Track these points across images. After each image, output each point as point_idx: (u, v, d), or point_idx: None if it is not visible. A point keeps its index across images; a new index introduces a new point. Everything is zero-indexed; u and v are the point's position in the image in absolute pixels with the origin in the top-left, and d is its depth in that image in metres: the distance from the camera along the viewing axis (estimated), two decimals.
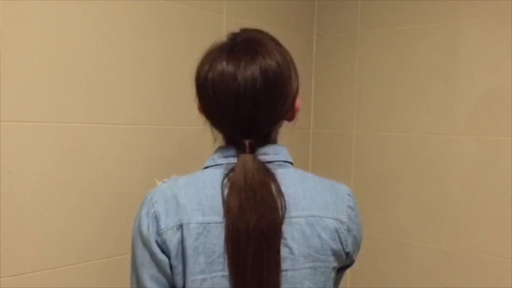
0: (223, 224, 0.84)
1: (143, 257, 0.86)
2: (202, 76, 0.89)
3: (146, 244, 0.86)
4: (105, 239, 1.38)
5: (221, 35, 0.95)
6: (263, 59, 0.87)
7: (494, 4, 1.61)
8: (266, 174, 0.85)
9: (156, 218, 0.86)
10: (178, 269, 0.85)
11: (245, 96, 0.85)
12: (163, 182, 0.91)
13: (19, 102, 1.20)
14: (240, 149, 0.87)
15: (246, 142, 0.87)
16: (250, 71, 0.85)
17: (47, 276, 1.26)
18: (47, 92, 1.24)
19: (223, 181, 0.86)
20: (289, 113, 0.94)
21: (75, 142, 1.30)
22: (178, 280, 0.85)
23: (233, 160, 0.89)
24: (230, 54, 0.88)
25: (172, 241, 0.84)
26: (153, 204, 0.87)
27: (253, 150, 0.87)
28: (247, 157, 0.86)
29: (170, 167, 1.47)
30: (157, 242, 0.85)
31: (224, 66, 0.86)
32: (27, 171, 1.22)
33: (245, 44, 0.90)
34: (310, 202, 0.88)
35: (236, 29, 0.96)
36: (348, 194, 0.94)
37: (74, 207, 1.31)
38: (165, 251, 0.85)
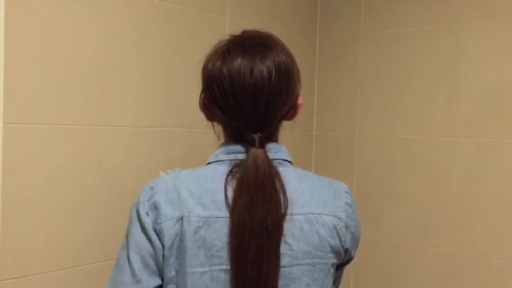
0: (224, 219, 0.85)
1: (139, 240, 0.87)
2: (215, 71, 0.90)
3: (143, 229, 0.87)
4: (108, 242, 1.38)
5: (224, 37, 0.96)
6: (276, 53, 0.90)
7: (497, 6, 1.61)
8: (273, 170, 0.87)
9: (156, 207, 0.87)
10: (170, 260, 0.86)
11: (263, 88, 0.87)
12: (166, 173, 0.93)
13: (22, 104, 1.20)
14: (250, 144, 0.88)
15: (256, 136, 0.88)
16: (265, 64, 0.88)
17: (49, 278, 1.26)
18: (50, 94, 1.25)
19: (227, 177, 0.87)
20: (292, 110, 0.95)
21: (78, 144, 1.30)
22: (168, 271, 0.86)
23: (235, 156, 0.90)
24: (243, 49, 0.90)
25: (169, 232, 0.85)
26: (154, 193, 0.88)
27: (262, 145, 0.88)
28: (259, 151, 0.87)
29: (173, 169, 1.46)
30: (154, 230, 0.86)
31: (239, 60, 0.88)
32: (30, 173, 1.22)
33: (255, 40, 0.92)
34: (308, 199, 0.90)
35: (237, 31, 0.97)
36: (346, 192, 0.95)
37: (77, 209, 1.31)
38: (160, 239, 0.86)
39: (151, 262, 0.86)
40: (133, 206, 0.91)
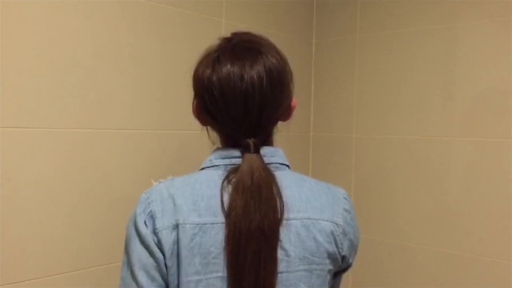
0: (220, 225, 0.84)
1: (140, 254, 0.85)
2: (205, 79, 0.89)
3: (143, 241, 0.85)
4: (105, 246, 1.37)
5: (215, 41, 0.95)
6: (266, 58, 0.89)
7: (493, 6, 1.61)
8: (269, 175, 0.86)
9: (152, 217, 0.86)
10: (173, 269, 0.84)
11: (254, 95, 0.86)
12: (159, 182, 0.91)
13: (18, 108, 1.20)
14: (244, 149, 0.87)
15: (251, 141, 0.87)
16: (256, 70, 0.87)
17: (46, 283, 1.26)
18: (46, 97, 1.24)
19: (223, 183, 0.86)
20: (286, 111, 0.95)
21: (74, 147, 1.30)
22: (172, 280, 0.85)
23: (230, 161, 0.89)
24: (233, 55, 0.88)
25: (168, 241, 0.84)
26: (149, 203, 0.87)
27: (257, 150, 0.87)
28: (254, 156, 0.86)
29: (169, 172, 1.46)
30: (153, 240, 0.85)
31: (229, 67, 0.87)
32: (26, 177, 1.21)
33: (245, 45, 0.91)
34: (306, 204, 0.89)
35: (227, 34, 0.97)
36: (344, 197, 0.94)
37: (73, 213, 1.31)
38: (160, 250, 0.85)
39: (157, 275, 0.85)
40: (129, 221, 0.90)
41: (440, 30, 1.72)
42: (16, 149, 1.19)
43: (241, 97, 0.86)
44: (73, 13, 1.28)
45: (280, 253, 0.84)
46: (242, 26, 1.69)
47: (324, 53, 2.03)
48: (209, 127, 0.95)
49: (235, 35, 0.95)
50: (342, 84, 1.98)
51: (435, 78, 1.74)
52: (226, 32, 0.97)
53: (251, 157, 0.86)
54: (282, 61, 0.92)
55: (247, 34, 0.96)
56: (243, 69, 0.87)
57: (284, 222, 0.85)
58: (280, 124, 0.96)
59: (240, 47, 0.90)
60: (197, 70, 0.92)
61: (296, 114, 0.99)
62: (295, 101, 0.96)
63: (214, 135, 0.95)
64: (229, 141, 0.92)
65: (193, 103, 0.95)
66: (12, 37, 1.18)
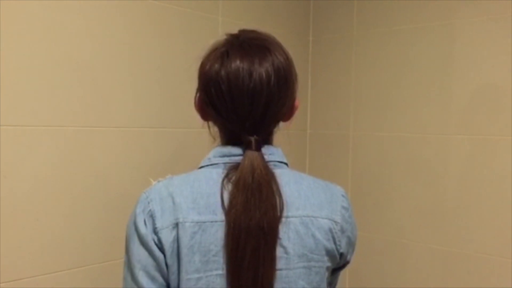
0: (219, 223, 0.84)
1: (140, 255, 0.86)
2: (212, 73, 0.89)
3: (143, 241, 0.86)
4: (102, 243, 1.37)
5: (217, 37, 0.95)
6: (275, 56, 0.89)
7: (490, 3, 1.61)
8: (269, 172, 0.86)
9: (152, 217, 0.86)
10: (173, 268, 0.85)
11: (261, 93, 0.87)
12: (158, 181, 0.91)
13: (16, 106, 1.19)
14: (246, 146, 0.87)
15: (253, 139, 0.87)
16: (264, 67, 0.87)
17: (44, 281, 1.26)
18: (44, 96, 1.24)
19: (223, 181, 0.86)
20: (289, 111, 0.95)
21: (72, 145, 1.30)
22: (173, 279, 0.85)
23: (229, 159, 0.89)
24: (242, 51, 0.89)
25: (168, 240, 0.84)
26: (148, 203, 0.87)
27: (259, 148, 0.88)
28: (255, 154, 0.86)
29: (168, 170, 1.45)
30: (153, 240, 0.85)
31: (238, 63, 0.87)
32: (23, 175, 1.21)
33: (254, 42, 0.91)
34: (304, 202, 0.89)
35: (233, 30, 0.96)
36: (342, 195, 0.95)
37: (71, 211, 1.30)
38: (161, 249, 0.85)
39: (157, 275, 0.85)
40: (129, 221, 0.90)
41: (437, 27, 1.73)
42: (14, 147, 1.19)
43: (248, 94, 0.86)
44: (71, 12, 1.28)
45: (279, 251, 0.85)
46: (239, 24, 1.69)
47: (321, 51, 2.03)
48: (210, 122, 0.95)
49: (242, 32, 0.95)
50: (339, 81, 1.98)
51: (433, 75, 1.74)
52: (223, 30, 0.97)
53: (252, 154, 0.86)
54: (289, 61, 0.92)
55: (254, 31, 0.96)
56: (252, 66, 0.87)
57: (283, 219, 0.85)
58: (281, 124, 0.96)
59: (248, 43, 0.90)
60: (204, 64, 0.92)
61: None
62: (297, 101, 0.96)
63: (215, 130, 0.95)
64: (230, 137, 0.92)
65: (195, 96, 0.95)
66: (12, 36, 1.17)
